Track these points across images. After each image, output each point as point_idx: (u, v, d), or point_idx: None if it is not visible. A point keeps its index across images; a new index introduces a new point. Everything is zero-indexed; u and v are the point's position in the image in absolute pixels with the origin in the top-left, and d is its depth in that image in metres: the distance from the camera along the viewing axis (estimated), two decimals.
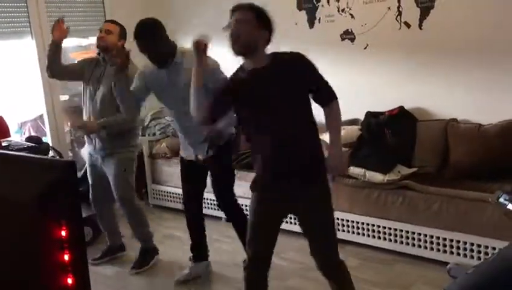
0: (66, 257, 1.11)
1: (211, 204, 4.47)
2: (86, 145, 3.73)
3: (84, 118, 3.65)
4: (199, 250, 3.49)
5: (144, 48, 2.96)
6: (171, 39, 3.07)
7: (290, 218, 4.07)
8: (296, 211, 2.52)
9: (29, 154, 1.88)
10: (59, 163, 1.17)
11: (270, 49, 2.41)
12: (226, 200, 3.32)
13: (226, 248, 3.66)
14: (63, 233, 1.10)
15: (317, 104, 2.45)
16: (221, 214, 4.42)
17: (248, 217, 2.53)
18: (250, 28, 2.28)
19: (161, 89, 3.13)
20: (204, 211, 4.16)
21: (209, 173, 3.32)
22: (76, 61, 3.80)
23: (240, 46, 2.29)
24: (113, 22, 3.58)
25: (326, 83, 2.41)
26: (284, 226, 4.09)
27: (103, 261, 3.86)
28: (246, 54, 2.34)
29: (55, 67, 3.58)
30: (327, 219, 2.45)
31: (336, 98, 2.43)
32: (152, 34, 2.96)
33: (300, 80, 2.34)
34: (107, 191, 3.70)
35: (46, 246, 1.12)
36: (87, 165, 3.78)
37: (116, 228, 3.95)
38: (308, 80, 2.37)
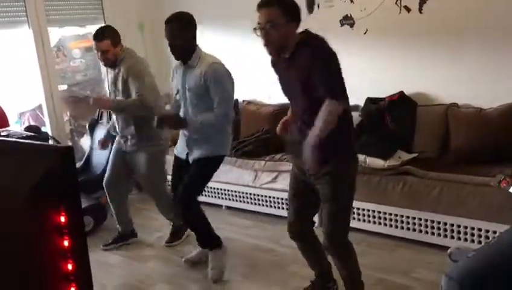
0: (66, 243, 1.10)
1: (211, 192, 4.48)
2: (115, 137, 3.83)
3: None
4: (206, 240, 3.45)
5: (169, 34, 3.01)
6: (196, 43, 3.12)
7: (287, 205, 4.09)
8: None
9: (26, 141, 1.87)
10: (56, 148, 1.16)
11: None
12: (186, 201, 3.19)
13: (227, 235, 3.66)
14: (62, 219, 1.09)
15: None
16: (221, 201, 4.45)
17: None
18: (280, 30, 2.30)
19: (176, 89, 3.24)
20: (205, 199, 4.18)
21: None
22: None
23: (273, 50, 2.37)
24: (102, 37, 3.51)
25: (331, 82, 2.32)
26: (282, 213, 4.14)
27: (115, 247, 3.91)
28: (280, 54, 2.41)
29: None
30: (331, 199, 2.49)
31: (335, 98, 2.30)
32: (183, 25, 3.03)
33: (310, 70, 2.32)
34: (123, 179, 3.82)
35: (45, 233, 1.11)
36: (113, 150, 3.84)
37: (127, 214, 3.97)
38: (314, 71, 2.30)
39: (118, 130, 3.71)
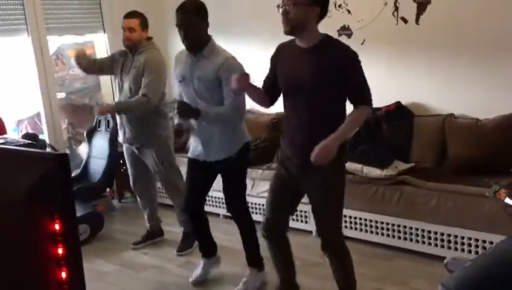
0: (60, 251, 1.10)
1: (208, 201, 4.46)
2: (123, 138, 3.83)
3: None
4: (207, 248, 3.45)
5: (183, 23, 2.85)
6: (209, 33, 2.98)
7: None
8: (303, 190, 2.64)
9: (21, 148, 1.86)
10: (51, 155, 1.16)
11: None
12: (237, 209, 3.24)
13: (224, 244, 3.65)
14: (57, 226, 1.09)
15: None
16: (219, 211, 4.44)
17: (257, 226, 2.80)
18: (300, 7, 2.29)
19: (182, 77, 3.04)
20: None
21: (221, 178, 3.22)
22: (108, 55, 3.94)
23: (288, 27, 2.33)
24: (132, 15, 3.61)
25: (364, 88, 2.44)
26: None
27: (145, 245, 3.99)
28: (295, 34, 2.39)
29: (87, 65, 3.75)
30: (328, 203, 2.56)
31: (368, 104, 2.45)
32: (197, 13, 2.87)
33: (340, 75, 2.34)
34: (146, 177, 3.91)
35: (40, 240, 1.11)
36: (125, 152, 3.89)
37: (155, 212, 4.06)
38: (347, 79, 2.37)
39: (124, 134, 3.73)
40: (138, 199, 4.02)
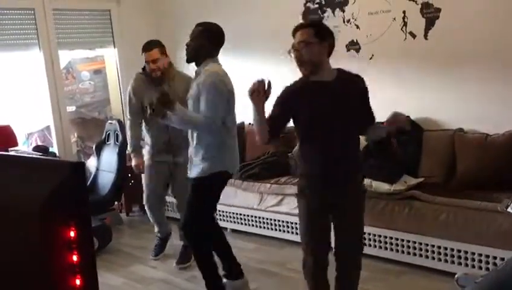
0: (75, 258, 1.11)
1: (216, 214, 4.45)
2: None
3: (149, 143, 3.81)
4: (230, 267, 3.32)
5: (194, 35, 3.04)
6: (211, 55, 3.04)
7: (292, 228, 4.07)
8: (339, 212, 2.61)
9: (37, 156, 1.87)
10: (67, 164, 1.17)
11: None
12: (189, 228, 3.11)
13: None
14: (72, 234, 1.10)
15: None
16: (226, 224, 4.42)
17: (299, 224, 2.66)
18: (312, 46, 2.37)
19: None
20: None
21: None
22: (129, 99, 3.83)
23: (308, 69, 2.40)
24: (151, 46, 3.64)
25: (371, 108, 2.65)
26: (288, 236, 4.11)
27: (164, 254, 4.06)
28: (316, 72, 2.42)
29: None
30: (361, 216, 2.63)
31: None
32: (204, 31, 3.04)
33: (359, 99, 2.52)
34: (163, 193, 4.00)
35: (55, 247, 1.12)
36: (152, 169, 3.83)
37: (165, 219, 4.12)
38: (365, 100, 2.58)
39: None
40: (152, 213, 3.95)
